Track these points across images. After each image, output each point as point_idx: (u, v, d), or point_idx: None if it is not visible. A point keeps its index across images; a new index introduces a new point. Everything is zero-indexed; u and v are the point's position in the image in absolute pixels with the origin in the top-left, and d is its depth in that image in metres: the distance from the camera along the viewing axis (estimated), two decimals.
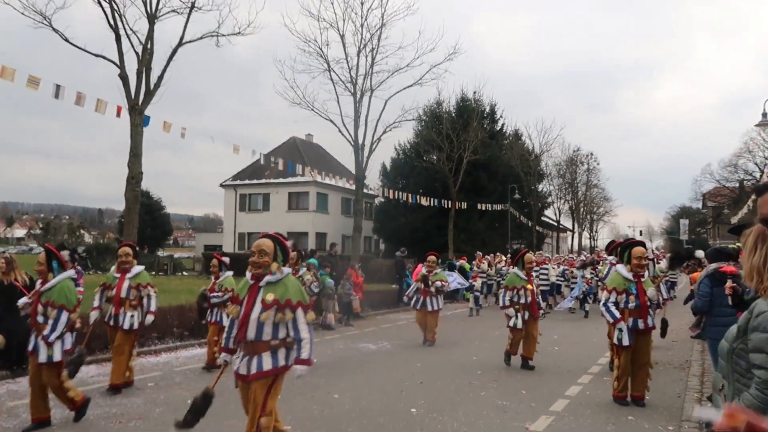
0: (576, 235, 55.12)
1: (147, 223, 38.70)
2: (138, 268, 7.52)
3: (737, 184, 50.72)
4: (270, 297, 4.32)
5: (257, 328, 4.31)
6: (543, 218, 48.53)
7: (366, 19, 23.22)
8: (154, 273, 33.54)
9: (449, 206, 31.33)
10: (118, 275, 7.41)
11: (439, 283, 11.18)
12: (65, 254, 6.70)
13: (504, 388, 7.52)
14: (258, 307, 4.34)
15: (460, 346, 11.26)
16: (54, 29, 14.09)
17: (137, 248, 8.02)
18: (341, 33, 23.20)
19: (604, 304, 6.84)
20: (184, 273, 35.58)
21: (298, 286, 4.49)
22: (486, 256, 21.23)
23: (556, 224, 52.80)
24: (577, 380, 8.02)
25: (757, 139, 43.49)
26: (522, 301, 8.83)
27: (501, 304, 9.08)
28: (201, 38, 16.16)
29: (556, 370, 8.70)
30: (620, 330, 6.60)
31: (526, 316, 8.79)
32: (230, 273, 8.93)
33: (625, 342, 6.54)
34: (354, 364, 9.33)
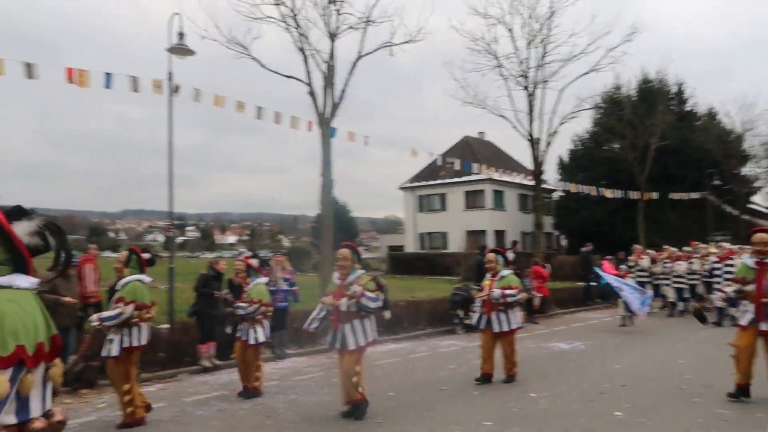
0: None
1: (336, 227, 41.61)
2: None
3: None
4: None
5: None
6: (751, 205, 42.80)
7: (534, 10, 22.55)
8: None
9: (636, 197, 29.12)
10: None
11: (498, 291, 7.67)
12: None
13: (720, 395, 6.83)
14: None
15: (661, 347, 10.47)
16: (253, 58, 15.82)
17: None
18: (509, 27, 22.80)
19: None
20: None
21: None
22: (648, 251, 16.97)
23: None
24: None
25: None
26: None
27: None
28: (377, 50, 16.97)
29: None
30: None
31: None
32: (263, 280, 7.60)
33: None
34: (546, 363, 9.17)
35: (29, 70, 10.46)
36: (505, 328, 7.70)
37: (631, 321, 13.26)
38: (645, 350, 10.20)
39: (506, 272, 7.90)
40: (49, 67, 10.98)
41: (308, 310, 7.68)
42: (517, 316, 7.90)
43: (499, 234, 38.34)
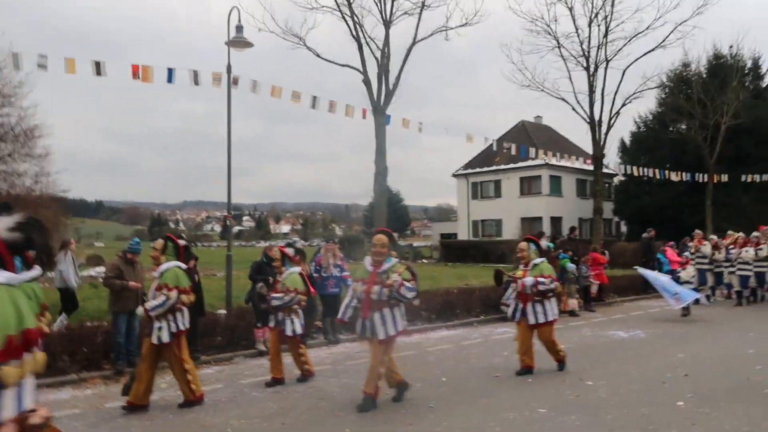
0: None
1: (388, 215, 41.75)
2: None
3: None
4: None
5: None
6: None
7: None
8: None
9: (704, 180, 27.83)
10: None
11: (530, 279, 7.28)
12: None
13: None
14: None
15: (729, 337, 10.00)
16: (308, 48, 16.01)
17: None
18: (569, 5, 22.18)
19: None
20: (424, 260, 37.61)
21: None
22: (710, 237, 16.58)
23: None
24: None
25: None
26: None
27: None
28: (432, 34, 16.85)
29: None
30: None
31: None
32: (297, 269, 7.38)
33: None
34: (604, 351, 8.93)
35: (98, 67, 10.93)
36: (542, 320, 7.32)
37: (688, 312, 12.39)
38: (710, 340, 9.77)
39: (539, 260, 7.54)
40: (115, 65, 11.42)
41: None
42: (554, 307, 7.50)
43: (556, 221, 37.50)
